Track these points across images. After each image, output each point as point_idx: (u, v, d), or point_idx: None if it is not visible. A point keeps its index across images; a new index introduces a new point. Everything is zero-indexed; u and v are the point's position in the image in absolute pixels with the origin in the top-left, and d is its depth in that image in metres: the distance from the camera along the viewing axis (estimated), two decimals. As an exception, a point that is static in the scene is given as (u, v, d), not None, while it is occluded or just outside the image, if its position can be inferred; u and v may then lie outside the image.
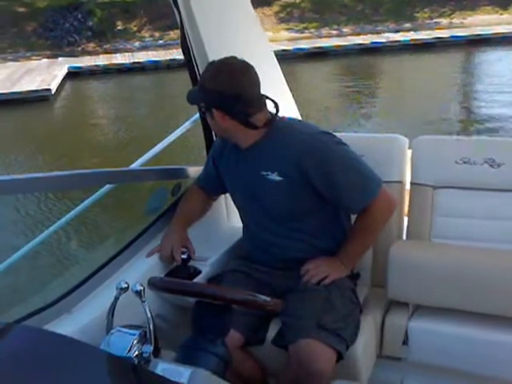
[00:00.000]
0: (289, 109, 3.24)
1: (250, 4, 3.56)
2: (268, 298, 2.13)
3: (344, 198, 2.64)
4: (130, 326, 1.88)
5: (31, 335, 1.65)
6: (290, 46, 26.35)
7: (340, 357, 2.49)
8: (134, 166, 3.14)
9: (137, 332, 1.84)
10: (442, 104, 16.19)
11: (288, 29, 31.12)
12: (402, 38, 26.91)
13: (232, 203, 3.24)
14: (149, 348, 1.81)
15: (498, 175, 2.98)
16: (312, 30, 30.67)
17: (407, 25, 30.18)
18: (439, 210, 3.07)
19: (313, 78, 22.07)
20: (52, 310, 2.42)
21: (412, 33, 27.94)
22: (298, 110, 3.80)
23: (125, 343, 1.81)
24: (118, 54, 26.87)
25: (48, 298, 2.54)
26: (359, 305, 2.79)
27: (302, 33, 30.53)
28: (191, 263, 2.89)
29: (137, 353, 1.79)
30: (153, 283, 2.24)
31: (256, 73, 2.62)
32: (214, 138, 3.36)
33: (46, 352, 1.54)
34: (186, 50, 3.23)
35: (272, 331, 2.66)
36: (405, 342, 2.81)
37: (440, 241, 3.04)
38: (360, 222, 2.72)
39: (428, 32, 27.63)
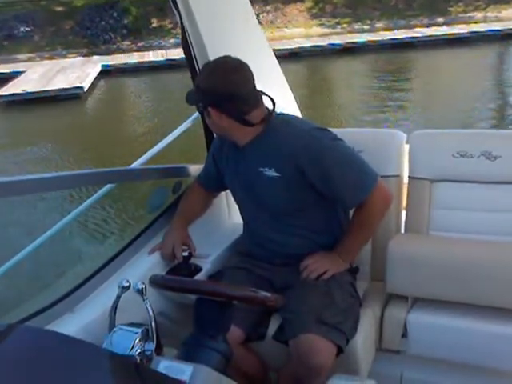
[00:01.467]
0: (288, 106, 3.26)
1: (248, 2, 3.56)
2: (268, 294, 2.15)
3: (340, 194, 2.64)
4: (132, 324, 1.89)
5: (34, 335, 1.65)
6: (324, 42, 26.32)
7: (340, 351, 2.51)
8: (135, 165, 3.17)
9: (139, 330, 1.86)
10: (478, 98, 16.00)
11: (320, 24, 31.27)
12: (437, 32, 26.55)
13: (233, 200, 3.26)
14: (151, 346, 1.83)
15: (495, 168, 2.99)
16: (344, 26, 30.69)
17: (441, 19, 29.80)
18: (437, 203, 3.09)
19: (349, 74, 22.00)
20: (55, 310, 2.43)
21: (445, 27, 27.55)
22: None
23: (127, 341, 1.82)
24: (150, 52, 27.03)
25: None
26: (359, 299, 2.81)
27: (334, 28, 30.53)
28: (192, 260, 2.90)
29: (139, 351, 1.81)
30: (154, 281, 2.25)
31: (250, 70, 2.63)
32: (215, 135, 3.40)
33: (49, 352, 1.55)
34: (186, 50, 3.25)
35: (272, 327, 2.68)
36: (404, 335, 2.83)
37: (438, 234, 3.05)
38: (357, 217, 2.73)
39: (461, 26, 27.22)
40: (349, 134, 2.81)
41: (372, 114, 15.34)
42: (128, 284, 1.96)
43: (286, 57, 24.35)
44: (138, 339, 1.83)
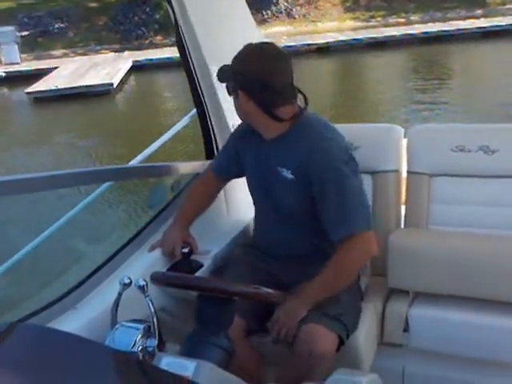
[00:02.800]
0: None
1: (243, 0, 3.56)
2: (271, 291, 2.15)
3: (325, 218, 2.55)
4: (134, 321, 1.90)
5: (36, 334, 1.66)
6: (355, 36, 25.94)
7: (341, 342, 2.51)
8: (133, 163, 3.18)
9: (141, 326, 1.86)
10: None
11: (354, 18, 30.74)
12: (472, 25, 25.76)
13: (232, 196, 3.30)
14: (153, 342, 1.84)
15: (493, 162, 3.00)
16: (379, 19, 30.10)
17: (479, 11, 29.22)
18: (436, 197, 3.10)
19: (386, 68, 21.72)
20: (57, 307, 2.43)
21: (482, 20, 26.78)
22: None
23: (129, 338, 1.83)
24: None
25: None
26: (360, 293, 2.82)
27: (369, 22, 29.99)
28: (193, 257, 2.90)
29: (141, 347, 1.82)
30: (155, 278, 2.26)
31: (290, 62, 2.55)
32: (212, 133, 3.44)
33: (52, 350, 1.56)
34: (181, 49, 3.24)
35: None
36: (405, 329, 2.84)
37: (437, 228, 3.06)
38: (332, 260, 2.54)
39: (499, 18, 26.39)
40: (347, 130, 2.78)
41: (409, 110, 15.13)
42: (129, 281, 1.96)
43: (317, 51, 24.19)
44: (140, 336, 1.84)
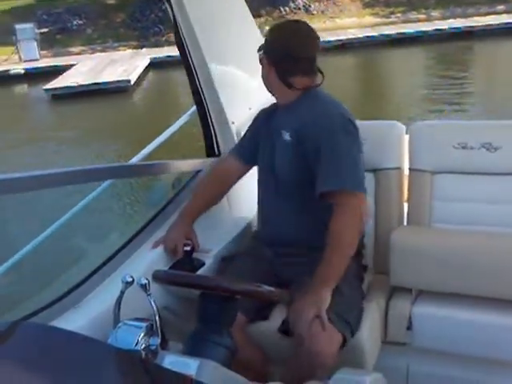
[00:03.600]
0: None
1: None
2: (273, 289, 2.14)
3: (317, 170, 2.62)
4: (137, 319, 1.91)
5: (39, 332, 1.67)
6: (375, 32, 25.65)
7: (344, 341, 2.49)
8: (134, 160, 3.18)
9: (143, 325, 1.87)
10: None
11: (373, 14, 30.30)
12: (493, 21, 25.21)
13: (234, 194, 3.30)
14: (156, 340, 1.84)
15: (496, 159, 3.00)
16: (398, 15, 29.62)
17: (501, 6, 28.37)
18: (438, 195, 3.09)
19: (411, 64, 21.44)
20: (59, 306, 2.44)
21: (504, 16, 26.02)
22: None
23: (132, 336, 1.83)
24: None
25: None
26: (363, 292, 2.81)
27: (388, 18, 29.49)
28: (195, 255, 2.91)
29: (144, 346, 1.82)
30: (157, 276, 2.26)
31: (317, 40, 2.78)
32: (212, 130, 3.44)
33: (54, 349, 1.57)
34: (180, 47, 3.24)
35: (277, 319, 2.67)
36: (409, 328, 2.82)
37: (440, 226, 3.06)
38: (328, 235, 2.55)
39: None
40: None
41: (434, 105, 14.91)
42: (131, 279, 1.97)
43: (336, 48, 23.79)
44: (142, 334, 1.84)
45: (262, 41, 2.87)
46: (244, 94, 3.61)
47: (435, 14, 29.14)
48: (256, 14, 28.83)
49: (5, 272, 3.00)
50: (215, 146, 3.48)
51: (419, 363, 2.89)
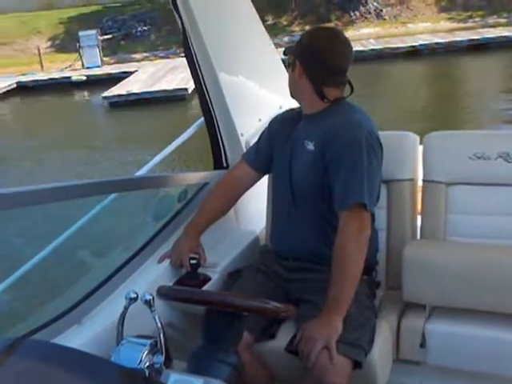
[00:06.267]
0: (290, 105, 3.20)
1: (249, 2, 3.53)
2: (279, 305, 2.10)
3: (337, 183, 2.59)
4: (141, 337, 1.88)
5: (41, 350, 1.65)
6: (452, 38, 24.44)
7: (358, 365, 2.42)
8: (140, 173, 3.15)
9: (147, 342, 1.84)
10: None
11: (449, 18, 29.25)
12: None
13: (242, 208, 3.26)
14: (160, 358, 1.81)
15: None
16: (477, 19, 28.38)
17: None
18: (453, 207, 3.01)
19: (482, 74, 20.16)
20: (62, 322, 2.41)
21: None
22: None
23: (136, 354, 1.81)
24: None
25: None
26: (374, 310, 2.73)
27: (466, 22, 28.29)
28: (201, 270, 2.85)
29: (148, 364, 1.79)
30: (162, 292, 2.24)
31: (350, 51, 2.71)
32: (221, 142, 3.39)
33: (57, 366, 1.54)
34: (189, 56, 3.19)
35: (285, 337, 2.59)
36: (422, 345, 2.74)
37: (455, 239, 2.97)
38: (334, 255, 2.52)
39: None
40: None
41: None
42: (135, 295, 1.95)
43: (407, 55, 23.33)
44: (146, 352, 1.81)
45: (273, 50, 2.81)
46: (254, 105, 3.56)
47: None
48: (325, 19, 28.92)
49: (7, 288, 2.97)
50: (223, 158, 3.42)
51: (433, 382, 2.81)
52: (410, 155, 3.06)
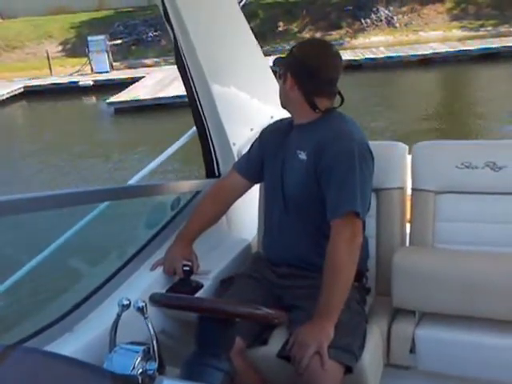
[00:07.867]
0: (279, 111, 3.21)
1: (239, 10, 3.56)
2: (271, 311, 2.11)
3: (329, 192, 2.62)
4: (133, 343, 1.87)
5: (33, 357, 1.64)
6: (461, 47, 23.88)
7: (349, 370, 2.44)
8: (132, 181, 3.16)
9: (140, 349, 1.83)
10: None
11: (461, 27, 29.08)
12: None
13: (234, 215, 3.28)
14: (153, 365, 1.80)
15: (500, 178, 2.95)
16: (489, 28, 28.20)
17: None
18: (442, 215, 3.04)
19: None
20: (54, 329, 2.42)
21: None
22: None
23: (128, 361, 1.79)
24: (270, 58, 26.10)
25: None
26: (365, 315, 2.76)
27: (477, 31, 27.98)
28: (193, 277, 2.87)
29: (141, 370, 1.78)
30: (154, 299, 2.24)
31: (341, 63, 2.76)
32: (212, 150, 3.41)
33: (49, 374, 1.54)
34: (181, 66, 3.23)
35: (277, 343, 2.61)
36: (412, 351, 2.77)
37: (444, 246, 3.01)
38: (325, 262, 2.55)
39: None
40: None
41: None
42: (128, 302, 1.94)
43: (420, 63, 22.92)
44: (139, 358, 1.79)
45: (264, 61, 2.84)
46: (245, 114, 3.59)
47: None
48: (336, 26, 29.00)
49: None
50: (215, 167, 3.45)
51: None
52: (399, 164, 3.10)
